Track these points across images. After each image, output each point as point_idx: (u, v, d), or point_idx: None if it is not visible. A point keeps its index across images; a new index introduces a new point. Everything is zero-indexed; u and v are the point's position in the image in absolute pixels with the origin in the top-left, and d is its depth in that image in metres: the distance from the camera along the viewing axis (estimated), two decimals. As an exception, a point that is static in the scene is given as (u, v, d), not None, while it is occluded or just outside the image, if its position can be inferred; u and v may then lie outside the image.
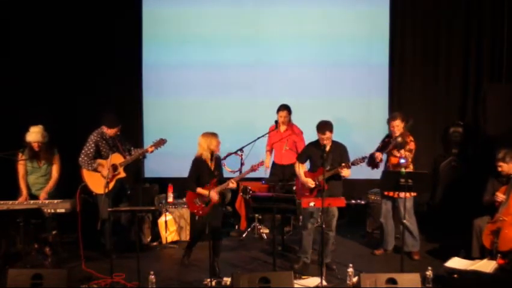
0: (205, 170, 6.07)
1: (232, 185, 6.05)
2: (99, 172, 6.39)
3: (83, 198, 6.51)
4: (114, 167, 6.41)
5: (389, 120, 6.46)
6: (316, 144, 6.17)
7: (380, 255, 6.65)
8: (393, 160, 6.40)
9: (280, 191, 6.97)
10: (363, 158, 6.05)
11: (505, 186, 6.05)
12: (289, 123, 7.38)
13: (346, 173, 6.05)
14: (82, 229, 6.17)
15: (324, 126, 6.03)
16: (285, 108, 7.32)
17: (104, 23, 8.13)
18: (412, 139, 6.36)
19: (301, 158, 6.36)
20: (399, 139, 6.29)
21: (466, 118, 8.08)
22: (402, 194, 5.97)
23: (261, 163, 6.23)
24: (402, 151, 6.23)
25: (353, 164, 6.04)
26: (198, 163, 6.08)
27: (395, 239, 6.70)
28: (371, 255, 6.68)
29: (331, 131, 6.02)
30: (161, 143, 6.48)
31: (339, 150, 6.14)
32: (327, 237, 6.00)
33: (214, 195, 6.00)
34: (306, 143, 7.04)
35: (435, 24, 8.15)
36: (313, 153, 6.21)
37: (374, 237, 7.23)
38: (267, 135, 7.41)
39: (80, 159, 6.45)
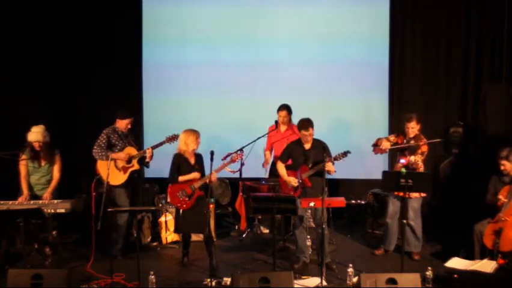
0: (184, 165, 6.21)
1: (213, 177, 6.08)
2: (113, 160, 6.40)
3: (85, 199, 6.52)
4: (128, 159, 6.49)
5: (405, 121, 6.43)
6: (297, 143, 6.25)
7: (380, 255, 6.65)
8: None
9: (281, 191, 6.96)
10: (344, 153, 6.02)
11: (507, 186, 6.03)
12: (289, 123, 7.38)
13: (331, 167, 6.00)
14: (84, 228, 6.18)
15: (307, 123, 6.09)
16: (284, 108, 7.32)
17: (104, 23, 8.14)
18: (426, 141, 6.32)
19: (282, 158, 6.39)
20: (412, 142, 6.28)
21: (466, 118, 8.07)
22: (412, 194, 6.00)
23: (240, 155, 6.38)
24: (412, 157, 6.20)
25: (335, 159, 6.03)
26: (177, 158, 6.24)
27: (395, 239, 6.69)
28: (371, 255, 6.68)
29: (313, 127, 6.09)
30: (174, 138, 6.49)
31: (320, 147, 6.08)
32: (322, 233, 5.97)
33: (195, 175, 6.14)
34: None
35: (435, 24, 8.14)
36: (294, 151, 6.26)
37: (374, 237, 7.23)
38: (267, 135, 7.41)
39: (93, 150, 6.50)
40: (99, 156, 6.49)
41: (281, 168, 6.34)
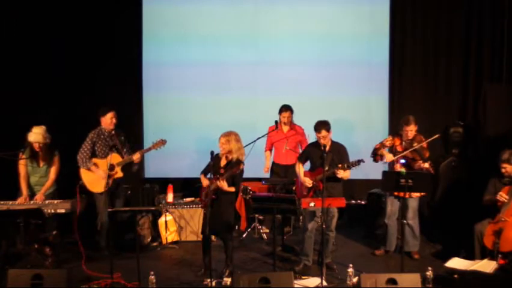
0: (216, 164, 5.93)
1: (220, 184, 5.75)
2: (92, 172, 6.39)
3: (85, 199, 6.51)
4: (111, 167, 6.38)
5: (403, 124, 6.39)
6: (316, 145, 6.18)
7: (380, 255, 6.65)
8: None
9: (281, 191, 6.96)
10: (358, 161, 6.01)
11: (508, 187, 6.02)
12: (291, 123, 7.39)
13: (343, 174, 6.01)
14: (82, 229, 6.17)
15: (319, 125, 6.06)
16: (287, 108, 7.33)
17: (104, 22, 8.12)
18: (422, 138, 6.37)
19: (301, 158, 6.38)
20: (415, 144, 6.28)
21: (466, 118, 8.07)
22: (413, 194, 6.05)
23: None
24: (422, 163, 6.20)
25: (348, 167, 6.02)
26: (215, 157, 5.90)
27: (395, 239, 6.69)
28: (372, 256, 6.68)
29: (327, 129, 6.03)
30: (160, 143, 6.45)
31: (339, 151, 6.14)
32: (327, 237, 6.00)
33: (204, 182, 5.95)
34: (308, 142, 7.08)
35: (435, 24, 8.14)
36: (312, 153, 6.23)
37: (374, 238, 7.23)
38: (267, 135, 7.40)
39: (77, 156, 6.47)
40: (81, 165, 6.46)
41: (299, 168, 6.33)
